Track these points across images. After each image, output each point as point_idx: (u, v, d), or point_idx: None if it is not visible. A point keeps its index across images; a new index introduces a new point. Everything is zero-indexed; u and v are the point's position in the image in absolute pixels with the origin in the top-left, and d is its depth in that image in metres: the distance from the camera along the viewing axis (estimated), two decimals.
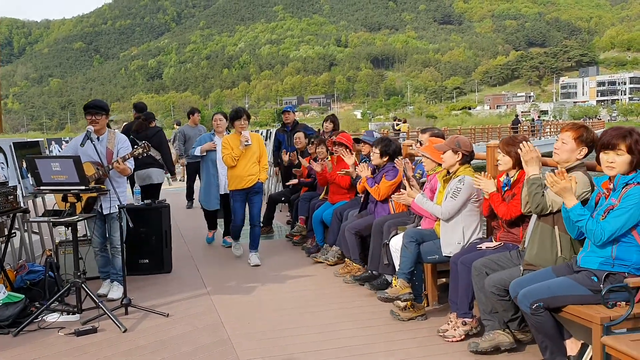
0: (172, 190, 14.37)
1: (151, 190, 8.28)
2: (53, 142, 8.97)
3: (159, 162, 8.41)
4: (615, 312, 3.21)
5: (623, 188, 3.36)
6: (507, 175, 4.34)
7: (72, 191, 4.92)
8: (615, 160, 3.38)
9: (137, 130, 8.26)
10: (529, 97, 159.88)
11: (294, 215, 8.10)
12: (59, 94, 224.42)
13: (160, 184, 8.65)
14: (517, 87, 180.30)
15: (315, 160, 7.56)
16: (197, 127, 10.70)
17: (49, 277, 5.47)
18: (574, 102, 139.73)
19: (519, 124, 39.26)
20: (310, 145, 7.92)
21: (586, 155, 3.79)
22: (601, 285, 3.31)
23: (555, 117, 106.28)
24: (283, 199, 8.81)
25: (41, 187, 4.96)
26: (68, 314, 4.94)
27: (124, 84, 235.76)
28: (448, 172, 4.75)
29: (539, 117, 60.36)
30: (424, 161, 5.23)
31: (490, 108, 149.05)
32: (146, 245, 6.53)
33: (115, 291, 5.59)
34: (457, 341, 4.21)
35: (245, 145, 6.64)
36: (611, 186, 3.45)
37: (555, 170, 3.53)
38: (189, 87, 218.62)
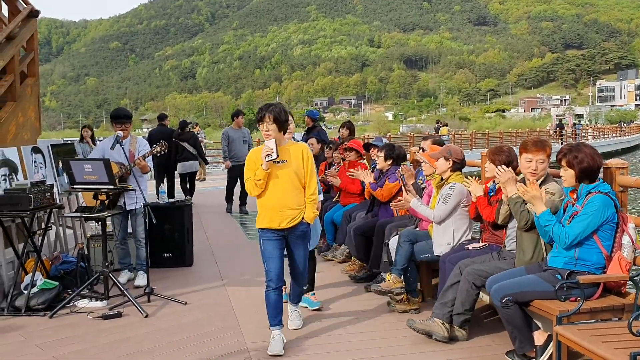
0: (207, 189, 15.45)
1: (190, 176, 12.24)
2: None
3: (196, 156, 12.16)
4: (573, 306, 3.59)
5: (586, 196, 3.75)
6: (494, 181, 4.74)
7: (102, 190, 5.49)
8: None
9: (179, 136, 12.04)
10: (564, 100, 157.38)
11: None
12: (95, 92, 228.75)
13: (196, 171, 12.64)
14: (552, 90, 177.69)
15: (331, 165, 8.03)
16: (240, 129, 11.24)
17: (81, 268, 6.02)
18: (611, 105, 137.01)
19: (563, 128, 39.55)
20: (327, 150, 8.37)
21: None
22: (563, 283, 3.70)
23: (591, 120, 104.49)
24: None
25: (74, 186, 5.54)
26: (96, 300, 5.51)
27: (158, 84, 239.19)
28: (442, 179, 5.17)
29: (578, 121, 60.06)
30: (423, 167, 5.64)
31: (524, 111, 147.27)
32: (170, 241, 7.07)
33: (140, 278, 6.18)
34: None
35: (269, 161, 4.14)
36: (575, 196, 3.84)
37: (527, 181, 3.95)
38: (221, 87, 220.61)
